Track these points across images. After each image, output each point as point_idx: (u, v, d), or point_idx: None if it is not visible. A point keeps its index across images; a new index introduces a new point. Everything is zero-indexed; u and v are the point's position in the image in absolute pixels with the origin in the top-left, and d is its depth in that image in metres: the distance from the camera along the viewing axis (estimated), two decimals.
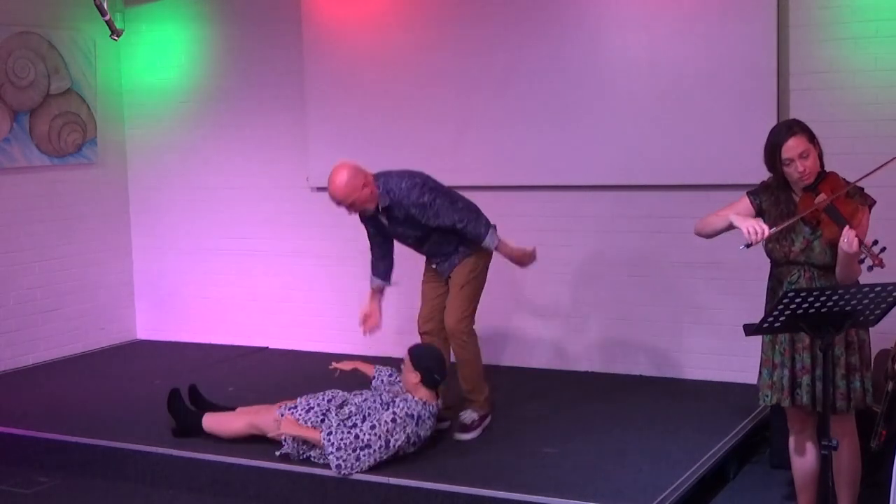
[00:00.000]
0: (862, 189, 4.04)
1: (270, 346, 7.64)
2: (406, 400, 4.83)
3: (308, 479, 4.85)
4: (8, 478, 5.37)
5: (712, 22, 6.02)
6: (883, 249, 3.82)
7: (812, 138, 4.05)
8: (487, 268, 5.42)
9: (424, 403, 4.83)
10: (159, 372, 6.87)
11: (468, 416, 5.35)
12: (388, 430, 4.67)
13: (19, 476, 5.39)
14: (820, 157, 4.07)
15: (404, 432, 4.73)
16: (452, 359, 5.45)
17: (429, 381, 4.92)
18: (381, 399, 4.95)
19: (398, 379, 5.19)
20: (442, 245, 5.33)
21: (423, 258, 5.53)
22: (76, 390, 6.55)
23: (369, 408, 4.91)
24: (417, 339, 5.42)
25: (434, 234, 5.26)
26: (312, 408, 4.98)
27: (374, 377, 5.28)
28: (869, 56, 5.71)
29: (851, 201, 3.98)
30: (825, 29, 5.81)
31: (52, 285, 7.50)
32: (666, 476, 4.61)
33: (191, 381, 5.59)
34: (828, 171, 4.08)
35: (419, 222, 5.16)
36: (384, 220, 5.25)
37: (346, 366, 5.31)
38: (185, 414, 5.35)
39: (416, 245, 5.39)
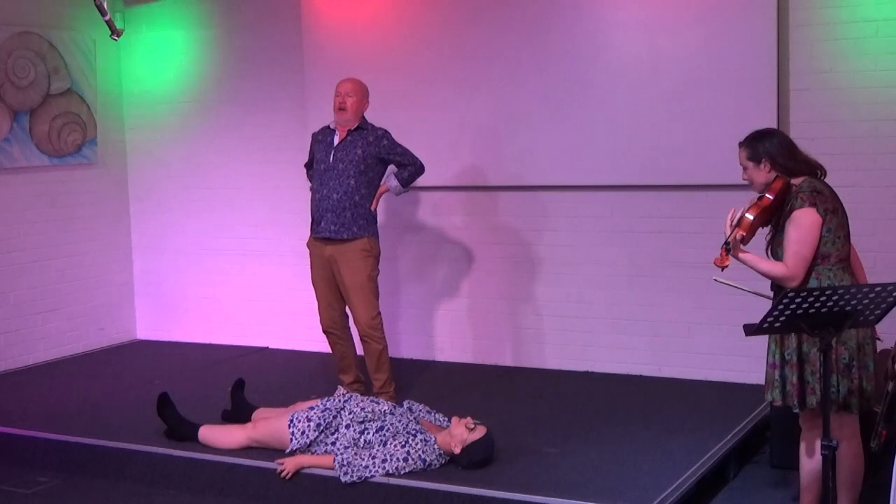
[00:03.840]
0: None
1: (270, 346, 7.64)
2: (427, 442, 4.81)
3: (308, 480, 4.85)
4: (8, 478, 5.36)
5: (712, 22, 6.02)
6: (727, 248, 3.94)
7: (752, 156, 4.11)
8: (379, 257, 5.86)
9: (440, 454, 4.81)
10: (159, 372, 6.87)
11: None
12: (396, 467, 4.72)
13: (19, 476, 5.38)
14: (785, 170, 4.06)
15: (409, 469, 4.74)
16: (360, 352, 5.91)
17: (464, 460, 4.79)
18: (408, 427, 4.91)
19: (437, 416, 5.15)
20: (346, 206, 5.65)
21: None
22: (76, 390, 6.54)
23: (393, 433, 4.87)
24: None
25: (358, 181, 5.65)
26: (320, 424, 4.97)
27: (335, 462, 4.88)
28: (869, 56, 5.71)
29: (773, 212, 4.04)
30: (825, 29, 5.81)
31: (52, 285, 7.50)
32: (666, 476, 4.61)
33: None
34: (795, 185, 4.05)
35: (369, 162, 5.68)
36: (336, 140, 5.72)
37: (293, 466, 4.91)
38: (177, 422, 5.32)
39: (336, 188, 5.66)
